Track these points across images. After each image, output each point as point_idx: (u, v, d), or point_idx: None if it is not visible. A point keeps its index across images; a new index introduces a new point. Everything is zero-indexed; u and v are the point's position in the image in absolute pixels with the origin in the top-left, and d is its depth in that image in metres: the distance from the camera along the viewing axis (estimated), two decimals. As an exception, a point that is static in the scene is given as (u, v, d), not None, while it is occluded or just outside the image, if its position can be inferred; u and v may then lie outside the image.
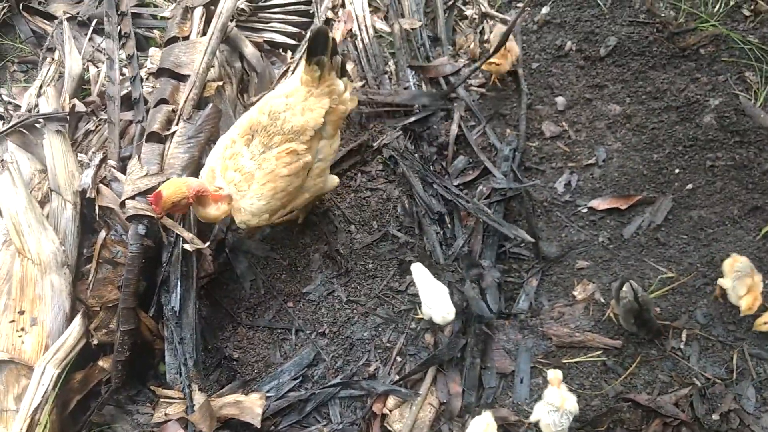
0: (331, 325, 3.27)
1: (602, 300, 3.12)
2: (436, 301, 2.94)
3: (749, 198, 3.37)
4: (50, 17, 4.22)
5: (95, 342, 2.96)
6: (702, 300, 3.06)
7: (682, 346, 2.94)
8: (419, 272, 3.07)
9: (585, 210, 3.46)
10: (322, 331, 3.26)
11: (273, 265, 3.44)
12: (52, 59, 3.81)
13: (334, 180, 3.25)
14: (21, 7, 4.20)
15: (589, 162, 3.61)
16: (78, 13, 4.06)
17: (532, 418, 2.73)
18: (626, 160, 3.60)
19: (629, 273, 3.20)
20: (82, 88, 3.82)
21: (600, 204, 3.45)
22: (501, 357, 3.03)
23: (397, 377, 3.02)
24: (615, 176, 3.56)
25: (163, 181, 3.08)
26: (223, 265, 3.47)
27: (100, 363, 2.98)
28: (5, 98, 3.77)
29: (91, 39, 4.03)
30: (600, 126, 3.74)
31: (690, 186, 3.46)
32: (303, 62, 2.85)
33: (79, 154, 3.38)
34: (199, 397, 2.75)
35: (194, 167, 3.19)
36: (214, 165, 2.93)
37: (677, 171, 3.51)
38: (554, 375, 2.73)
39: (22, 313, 2.82)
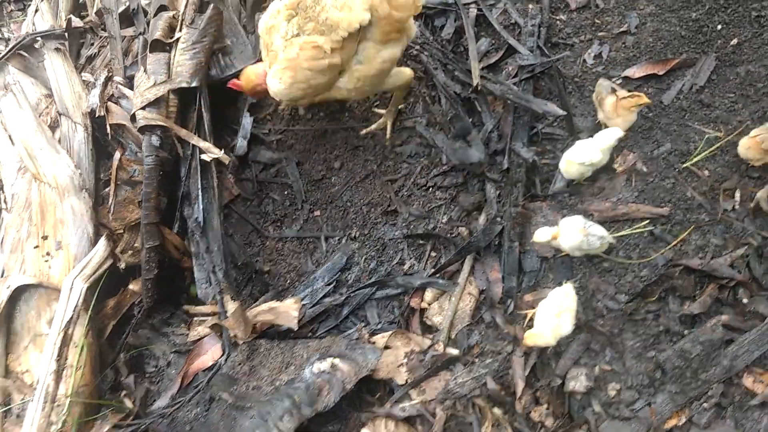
0: (361, 228, 3.16)
1: (644, 169, 2.91)
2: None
3: (803, 44, 3.07)
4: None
5: (123, 265, 2.92)
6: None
7: (736, 207, 2.74)
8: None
9: (620, 80, 3.20)
10: (353, 235, 3.16)
11: (297, 174, 3.32)
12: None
13: (402, 76, 2.93)
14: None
15: (621, 30, 3.32)
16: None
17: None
18: (661, 23, 3.30)
19: (672, 138, 2.97)
20: (79, 12, 3.66)
21: (635, 72, 3.19)
22: (541, 239, 2.88)
23: (433, 270, 2.92)
24: (650, 42, 3.27)
25: (172, 89, 2.97)
26: (243, 183, 3.37)
27: (131, 286, 2.95)
28: (5, 35, 3.66)
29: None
30: (630, -11, 3.42)
31: (735, 41, 3.16)
32: None
33: (83, 75, 3.26)
34: (231, 304, 2.70)
35: (202, 73, 3.04)
36: (261, 29, 2.79)
37: (719, 27, 3.21)
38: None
39: (45, 238, 2.78)
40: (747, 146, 2.71)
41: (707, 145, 2.88)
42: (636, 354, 2.56)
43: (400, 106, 3.25)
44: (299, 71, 2.67)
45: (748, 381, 2.45)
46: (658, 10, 3.34)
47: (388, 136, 3.24)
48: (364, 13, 2.58)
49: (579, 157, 2.79)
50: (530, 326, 2.60)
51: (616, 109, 2.85)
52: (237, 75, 3.24)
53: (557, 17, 3.43)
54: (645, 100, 2.83)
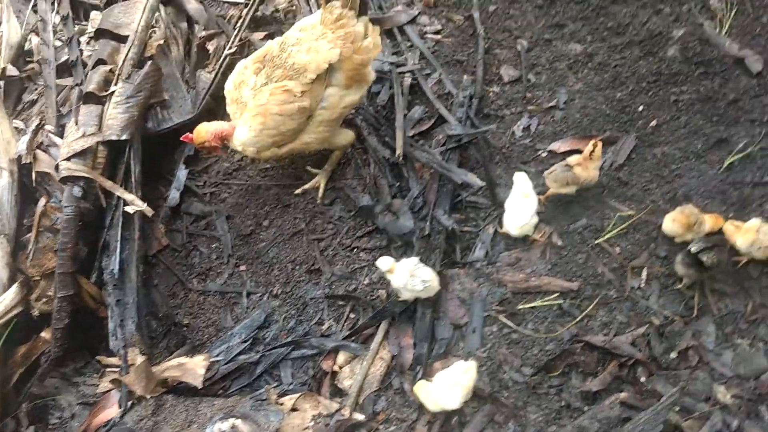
0: (284, 286, 3.18)
1: (559, 243, 2.98)
2: (516, 213, 2.89)
3: (714, 131, 3.22)
4: (-4, -9, 4.14)
5: (36, 312, 2.89)
6: (663, 237, 2.91)
7: (642, 285, 2.81)
8: (520, 182, 2.93)
9: (545, 154, 3.32)
10: (275, 292, 3.17)
11: (226, 228, 3.35)
12: (-3, 32, 3.73)
13: (347, 137, 3.06)
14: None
15: (550, 105, 3.46)
16: (23, -15, 3.97)
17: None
18: (588, 100, 3.45)
19: (588, 214, 3.06)
20: (25, 59, 3.73)
21: (560, 146, 3.31)
22: (455, 307, 2.91)
23: (348, 333, 2.93)
24: (577, 117, 3.41)
25: (101, 141, 3.01)
26: (173, 234, 3.39)
27: (43, 334, 2.92)
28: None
29: (35, 10, 3.93)
30: (561, 67, 3.59)
31: (654, 123, 3.31)
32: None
33: (16, 122, 3.31)
34: (138, 359, 2.68)
35: (134, 127, 3.10)
36: (228, 88, 2.90)
37: (641, 108, 3.36)
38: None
39: (-44, 282, 2.76)
40: (673, 219, 2.77)
41: (620, 223, 2.97)
42: (538, 428, 2.57)
43: (333, 167, 3.31)
44: (269, 117, 2.77)
45: (643, 460, 2.47)
46: (586, 87, 3.50)
47: (320, 195, 3.29)
48: (331, 52, 2.70)
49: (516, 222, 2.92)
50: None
51: (586, 167, 2.94)
52: (174, 128, 3.32)
53: (490, 89, 3.56)
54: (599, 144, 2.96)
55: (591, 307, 2.76)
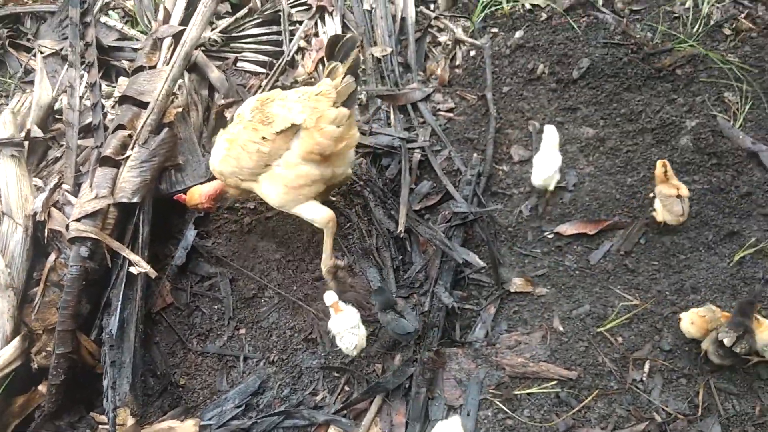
0: (281, 353, 3.16)
1: (561, 328, 2.93)
2: (543, 165, 3.21)
3: (725, 223, 3.17)
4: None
5: (36, 366, 2.92)
6: (668, 329, 2.84)
7: (644, 378, 2.72)
8: (549, 134, 3.25)
9: (551, 235, 3.31)
10: (272, 359, 3.16)
11: (229, 290, 3.38)
12: (30, 90, 3.93)
13: (322, 213, 2.97)
14: (9, 44, 4.39)
15: (560, 186, 3.47)
16: (62, 48, 4.21)
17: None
18: (598, 184, 3.46)
19: (592, 300, 3.01)
20: (55, 117, 3.91)
21: (567, 229, 3.30)
22: (451, 387, 2.86)
23: (341, 406, 2.88)
24: (586, 201, 3.40)
25: (112, 204, 3.11)
26: (178, 292, 3.43)
27: (41, 387, 2.94)
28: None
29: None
30: (572, 149, 3.61)
31: (664, 210, 3.28)
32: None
33: (36, 180, 3.44)
34: (129, 420, 2.67)
35: (146, 190, 3.19)
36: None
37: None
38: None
39: (-40, 333, 2.82)
40: (691, 321, 2.71)
41: (624, 312, 2.92)
42: None
43: (328, 254, 3.15)
44: (234, 146, 2.92)
45: None
46: (597, 171, 3.51)
47: (330, 283, 3.19)
48: (296, 116, 2.81)
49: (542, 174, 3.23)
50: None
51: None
52: (185, 191, 3.41)
53: (500, 167, 3.60)
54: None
55: (590, 398, 2.68)
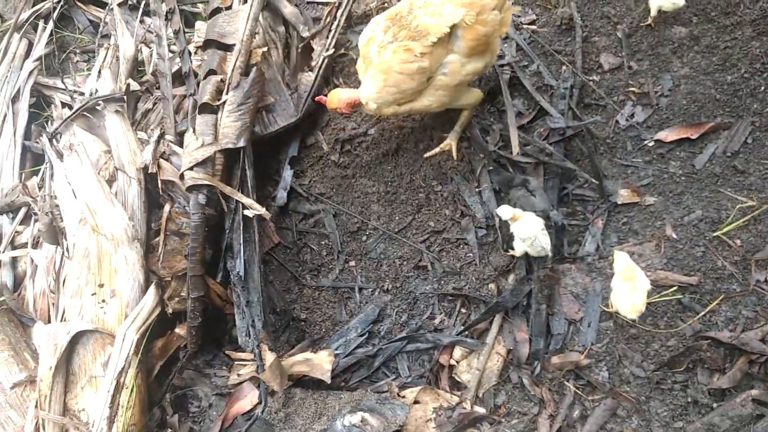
0: (393, 281, 3.28)
1: (674, 236, 2.94)
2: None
3: (839, 115, 3.06)
4: (104, 5, 4.35)
5: (170, 310, 3.11)
6: (788, 228, 2.83)
7: (767, 279, 2.74)
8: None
9: (652, 143, 3.25)
10: (385, 287, 3.28)
11: (333, 225, 3.47)
12: (108, 45, 3.93)
13: (475, 94, 3.12)
14: (76, -1, 4.36)
15: (655, 91, 3.37)
16: (131, -1, 4.17)
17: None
18: (696, 85, 3.34)
19: (704, 205, 3.00)
20: (138, 69, 3.93)
21: (668, 135, 3.24)
22: (569, 302, 2.94)
23: (462, 328, 3.00)
24: (683, 104, 3.31)
25: (219, 150, 3.17)
26: (283, 232, 3.54)
27: (177, 330, 3.14)
28: (71, 87, 3.95)
29: (142, 21, 4.13)
30: (664, 52, 3.47)
31: (771, 106, 3.18)
32: None
33: (139, 133, 3.51)
34: (268, 357, 2.84)
35: (247, 133, 3.23)
36: (360, 43, 3.01)
37: (756, 91, 3.22)
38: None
39: (101, 286, 2.99)
40: None
41: (740, 215, 2.90)
42: (663, 423, 2.59)
43: (464, 128, 3.33)
44: (391, 74, 2.85)
45: (777, 457, 2.45)
46: (693, 72, 3.38)
47: (454, 155, 3.33)
48: (452, 16, 2.73)
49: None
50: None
51: None
52: (279, 131, 3.45)
53: (590, 78, 3.50)
54: None
55: (715, 303, 2.72)
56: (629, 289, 2.61)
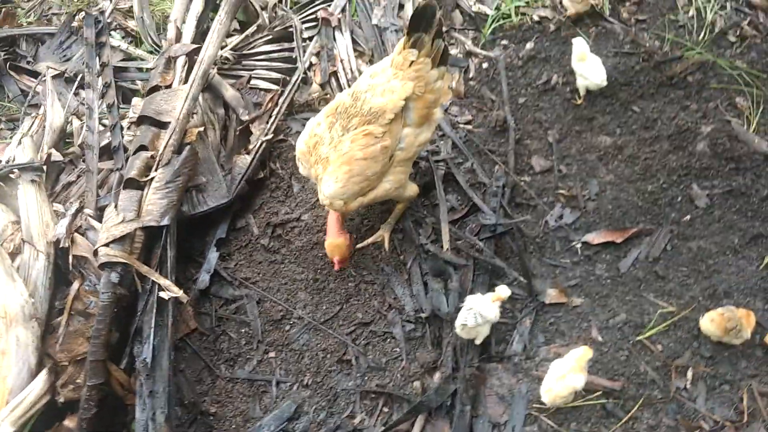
0: (314, 375, 3.11)
1: (600, 338, 2.93)
2: (592, 69, 3.37)
3: (749, 226, 3.22)
4: (37, 75, 4.29)
5: (62, 399, 2.82)
6: (706, 335, 2.86)
7: (687, 386, 2.73)
8: (579, 45, 3.38)
9: (579, 245, 3.31)
10: (305, 382, 3.09)
11: (256, 313, 3.31)
12: (36, 114, 3.82)
13: (413, 188, 3.17)
14: (8, 67, 4.27)
15: (582, 195, 3.49)
16: (66, 70, 4.11)
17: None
18: (620, 192, 3.48)
19: (627, 309, 3.02)
20: (65, 141, 3.81)
21: (594, 238, 3.31)
22: (493, 404, 2.83)
23: (383, 429, 2.83)
24: (609, 209, 3.42)
25: (139, 228, 3.03)
26: (202, 317, 3.35)
27: (66, 422, 2.83)
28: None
29: (77, 94, 4.06)
30: (591, 158, 3.64)
31: (688, 217, 3.32)
32: (400, 42, 2.82)
33: (56, 205, 3.34)
34: (168, 455, 2.58)
35: (173, 212, 3.12)
36: (302, 150, 2.95)
37: (673, 201, 3.38)
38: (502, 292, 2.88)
39: (-15, 368, 2.70)
40: (711, 319, 2.74)
41: (660, 320, 2.93)
42: None
43: (397, 220, 3.35)
44: (354, 163, 2.80)
45: None
46: (617, 179, 3.53)
47: (386, 245, 3.31)
48: (405, 89, 2.79)
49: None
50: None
51: None
52: (208, 212, 3.35)
53: (522, 178, 3.60)
54: None
55: (636, 408, 2.68)
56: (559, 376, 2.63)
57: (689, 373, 2.77)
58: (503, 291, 2.89)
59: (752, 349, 2.81)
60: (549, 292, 3.14)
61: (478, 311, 2.77)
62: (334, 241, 3.07)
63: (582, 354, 2.63)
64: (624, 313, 3.01)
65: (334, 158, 2.83)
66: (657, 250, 3.23)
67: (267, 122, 3.74)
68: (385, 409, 2.94)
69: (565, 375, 2.61)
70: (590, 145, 3.68)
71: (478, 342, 2.91)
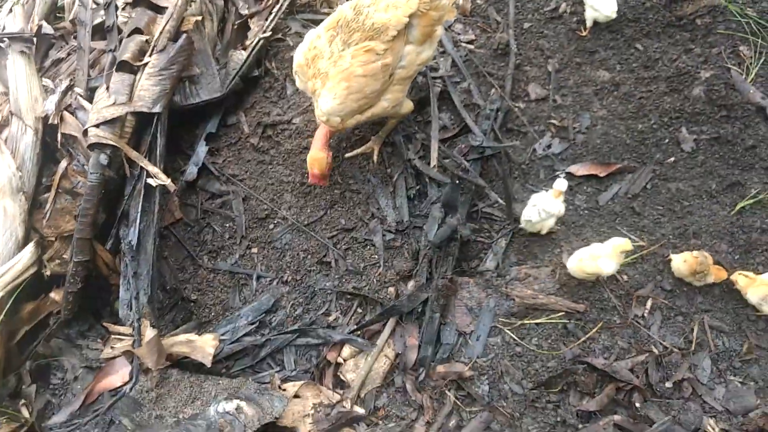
0: (294, 273, 3.22)
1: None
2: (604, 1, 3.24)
3: (729, 173, 3.30)
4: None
5: (48, 272, 2.90)
6: (669, 271, 3.00)
7: (645, 314, 2.90)
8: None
9: (563, 175, 3.38)
10: (285, 279, 3.21)
11: (241, 209, 3.38)
12: (28, -17, 3.68)
13: (409, 104, 3.14)
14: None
15: (573, 127, 3.52)
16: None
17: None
18: (610, 128, 3.51)
19: (600, 239, 3.13)
20: (56, 14, 3.69)
21: (579, 170, 3.38)
22: (462, 314, 2.98)
23: (355, 327, 2.98)
24: (597, 143, 3.47)
25: (131, 112, 3.01)
26: (187, 208, 3.41)
27: (52, 295, 2.93)
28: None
29: (70, -33, 3.90)
30: (587, 92, 3.64)
31: (672, 159, 3.39)
32: None
33: (45, 80, 3.28)
34: (148, 332, 2.70)
35: (165, 100, 3.10)
36: (300, 63, 2.87)
37: (660, 142, 3.43)
38: (559, 186, 2.94)
39: (-28, 235, 2.76)
40: (684, 260, 2.85)
41: (630, 252, 3.05)
42: (532, 441, 2.65)
43: (387, 134, 3.36)
44: (353, 80, 2.74)
45: (627, 482, 2.56)
46: (610, 115, 3.56)
47: (375, 158, 3.33)
48: (409, 6, 2.70)
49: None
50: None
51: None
52: (200, 105, 3.32)
53: (516, 104, 3.61)
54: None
55: (595, 329, 2.84)
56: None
57: (648, 303, 2.92)
58: (561, 185, 2.95)
59: (710, 287, 2.96)
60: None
61: (542, 207, 2.93)
62: (317, 155, 3.00)
63: (622, 244, 2.75)
64: (596, 243, 3.12)
65: (333, 74, 2.76)
66: (637, 187, 3.31)
67: (266, 19, 3.66)
68: (359, 310, 3.08)
69: (600, 257, 2.76)
70: (588, 79, 3.67)
71: (543, 233, 3.08)
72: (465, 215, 3.21)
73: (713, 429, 2.62)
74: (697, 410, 2.67)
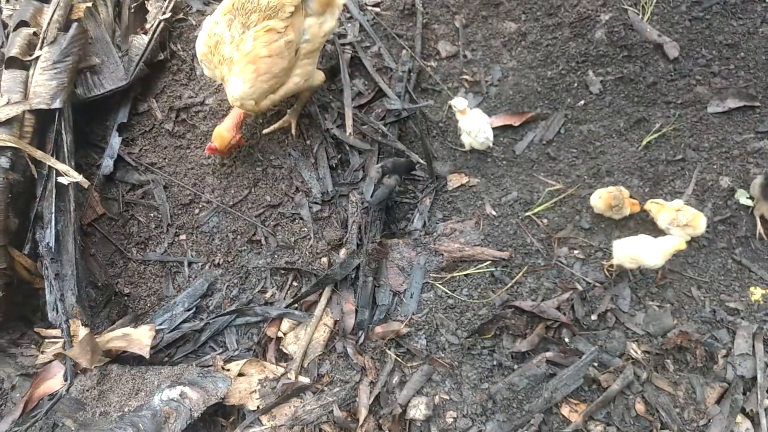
0: (225, 255, 3.21)
1: (493, 213, 3.16)
2: (478, 127, 3.17)
3: (634, 111, 3.45)
4: None
5: (-35, 285, 2.80)
6: (587, 210, 3.15)
7: (566, 255, 3.04)
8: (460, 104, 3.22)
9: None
10: (217, 262, 3.20)
11: (164, 197, 3.32)
12: None
13: (321, 75, 3.12)
14: None
15: (485, 80, 3.60)
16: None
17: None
18: (521, 78, 3.61)
19: (519, 188, 3.26)
20: (-65, 14, 3.46)
21: (494, 121, 3.46)
22: (394, 275, 3.06)
23: (291, 300, 3.01)
24: (510, 94, 3.56)
25: (28, 110, 2.89)
26: (108, 202, 3.32)
27: (-27, 307, 2.83)
28: None
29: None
30: (496, 44, 3.71)
31: (582, 102, 3.51)
32: None
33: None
34: (80, 332, 2.66)
35: (65, 94, 2.98)
36: (203, 52, 2.82)
37: (570, 87, 3.55)
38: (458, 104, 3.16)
39: None
40: (600, 196, 3.00)
41: (548, 197, 3.18)
42: (472, 385, 2.78)
43: (302, 106, 3.34)
44: (260, 61, 2.73)
45: (564, 410, 2.73)
46: (519, 65, 3.65)
47: (293, 131, 3.32)
48: None
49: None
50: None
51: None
52: (106, 95, 3.22)
53: (428, 63, 3.65)
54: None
55: (520, 274, 2.97)
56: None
57: (569, 243, 3.07)
58: (460, 103, 3.18)
59: (625, 221, 3.13)
60: (448, 174, 3.31)
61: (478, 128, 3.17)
62: (223, 133, 3.06)
63: (677, 243, 2.81)
64: (516, 191, 3.24)
65: (238, 58, 2.73)
66: (551, 133, 3.43)
67: (165, -1, 3.53)
68: (295, 284, 3.11)
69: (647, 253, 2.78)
70: (496, 31, 3.74)
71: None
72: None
73: (636, 351, 2.81)
74: (621, 337, 2.85)
